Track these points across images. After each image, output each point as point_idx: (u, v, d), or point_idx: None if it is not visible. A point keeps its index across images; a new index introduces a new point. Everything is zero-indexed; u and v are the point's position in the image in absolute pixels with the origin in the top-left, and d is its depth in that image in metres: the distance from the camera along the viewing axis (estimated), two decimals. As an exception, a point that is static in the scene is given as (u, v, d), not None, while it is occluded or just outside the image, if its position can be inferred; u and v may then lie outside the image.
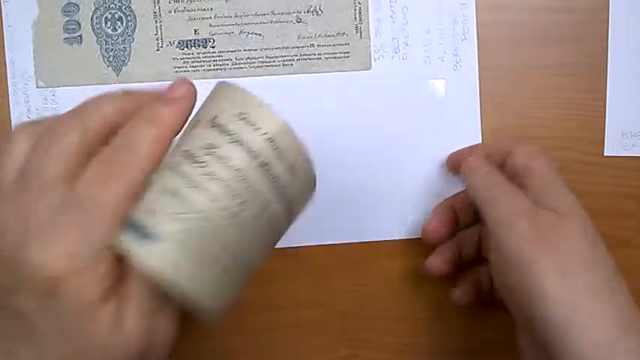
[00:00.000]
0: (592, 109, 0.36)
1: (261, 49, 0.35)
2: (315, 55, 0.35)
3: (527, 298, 0.25)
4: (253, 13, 0.35)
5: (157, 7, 0.34)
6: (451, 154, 0.35)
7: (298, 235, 0.35)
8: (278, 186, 0.22)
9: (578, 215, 0.27)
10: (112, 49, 0.34)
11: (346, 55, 0.35)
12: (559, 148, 0.36)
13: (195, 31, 0.35)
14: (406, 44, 0.35)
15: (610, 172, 0.36)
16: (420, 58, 0.35)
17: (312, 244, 0.36)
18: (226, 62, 0.35)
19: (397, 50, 0.35)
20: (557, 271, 0.25)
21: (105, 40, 0.34)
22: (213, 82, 0.35)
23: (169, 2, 0.34)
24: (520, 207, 0.27)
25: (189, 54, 0.35)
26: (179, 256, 0.20)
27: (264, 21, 0.35)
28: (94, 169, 0.21)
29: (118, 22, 0.34)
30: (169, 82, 0.24)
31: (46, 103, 0.34)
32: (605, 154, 0.36)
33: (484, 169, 0.30)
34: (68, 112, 0.22)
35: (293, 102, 0.35)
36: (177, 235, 0.20)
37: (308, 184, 0.24)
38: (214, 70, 0.35)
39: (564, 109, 0.36)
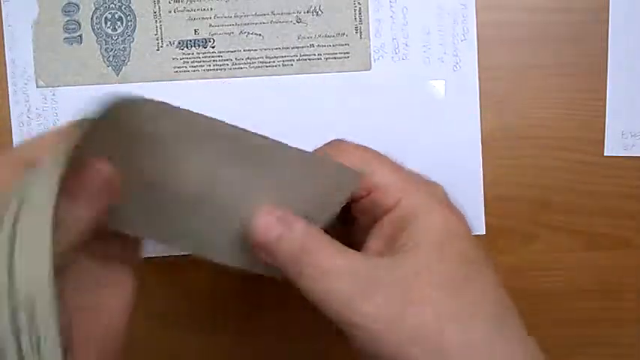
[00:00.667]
0: (592, 109, 0.36)
1: (261, 49, 0.35)
2: (315, 55, 0.35)
3: None
4: (253, 13, 0.35)
5: (157, 7, 0.34)
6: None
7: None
8: None
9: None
10: (112, 49, 0.34)
11: (346, 55, 0.35)
12: (559, 148, 0.36)
13: (195, 31, 0.35)
14: (406, 45, 0.35)
15: (610, 172, 0.36)
16: (419, 59, 0.35)
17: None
18: (226, 62, 0.35)
19: (397, 51, 0.35)
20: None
21: (105, 40, 0.34)
22: (213, 82, 0.35)
23: (169, 2, 0.34)
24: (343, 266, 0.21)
25: (189, 54, 0.35)
26: None
27: (264, 21, 0.35)
28: None
29: (118, 22, 0.34)
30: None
31: (45, 103, 0.35)
32: (605, 154, 0.36)
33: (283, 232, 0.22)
34: None
35: (293, 102, 0.35)
36: None
37: None
38: (214, 70, 0.35)
39: (564, 109, 0.36)
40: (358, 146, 0.25)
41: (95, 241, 0.21)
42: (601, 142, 0.36)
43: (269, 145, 0.23)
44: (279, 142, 0.23)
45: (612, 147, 0.36)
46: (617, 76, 0.35)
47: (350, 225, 0.27)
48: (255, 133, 0.22)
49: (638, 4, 0.35)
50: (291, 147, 0.23)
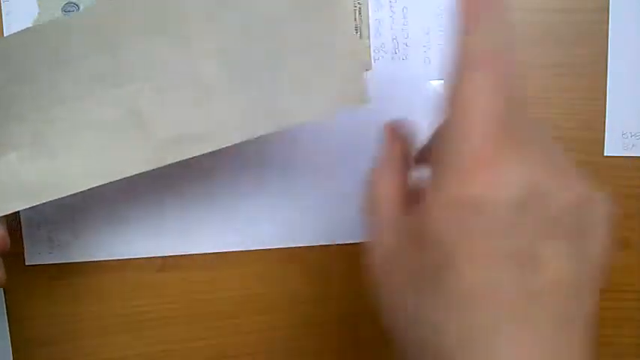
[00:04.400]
0: (592, 109, 0.36)
1: (261, 49, 0.35)
2: (315, 55, 0.35)
3: None
4: (253, 13, 0.35)
5: (157, 7, 0.34)
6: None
7: (299, 235, 0.35)
8: None
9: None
10: (112, 49, 0.34)
11: (346, 55, 0.35)
12: (559, 148, 0.36)
13: (196, 31, 0.35)
14: (406, 45, 0.35)
15: (610, 172, 0.36)
16: (419, 59, 0.35)
17: (312, 244, 0.36)
18: (226, 62, 0.35)
19: (397, 51, 0.35)
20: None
21: (105, 39, 0.34)
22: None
23: (169, 2, 0.34)
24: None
25: (189, 54, 0.35)
26: None
27: (264, 21, 0.35)
28: None
29: (118, 22, 0.34)
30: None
31: (45, 103, 0.34)
32: (605, 154, 0.36)
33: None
34: None
35: (293, 102, 0.35)
36: None
37: None
38: (214, 70, 0.35)
39: (564, 109, 0.36)
40: None
41: None
42: (601, 142, 0.36)
43: None
44: None
45: (612, 147, 0.36)
46: (617, 76, 0.35)
47: None
48: None
49: (638, 4, 0.35)
50: None
